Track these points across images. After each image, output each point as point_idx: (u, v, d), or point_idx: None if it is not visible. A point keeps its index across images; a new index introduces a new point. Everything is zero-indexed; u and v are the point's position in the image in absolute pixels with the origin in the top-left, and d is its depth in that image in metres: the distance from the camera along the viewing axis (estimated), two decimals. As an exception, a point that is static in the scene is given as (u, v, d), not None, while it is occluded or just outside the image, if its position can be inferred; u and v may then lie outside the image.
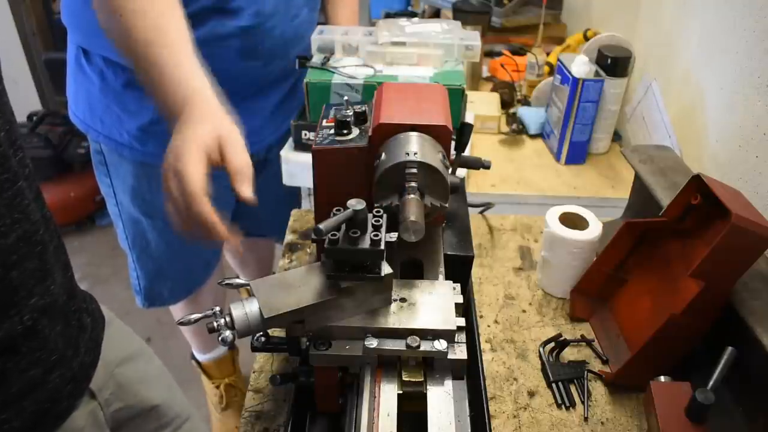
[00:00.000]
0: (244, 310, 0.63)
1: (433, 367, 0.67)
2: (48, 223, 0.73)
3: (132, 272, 1.52)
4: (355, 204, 0.63)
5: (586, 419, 0.88)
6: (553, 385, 0.93)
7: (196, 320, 0.65)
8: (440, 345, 0.65)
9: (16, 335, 0.66)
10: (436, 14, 2.32)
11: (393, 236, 0.66)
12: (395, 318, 0.67)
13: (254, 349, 0.73)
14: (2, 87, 0.66)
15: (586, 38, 1.81)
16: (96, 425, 0.81)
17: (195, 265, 1.57)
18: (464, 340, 0.68)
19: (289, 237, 1.26)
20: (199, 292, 1.62)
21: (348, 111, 0.82)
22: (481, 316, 1.06)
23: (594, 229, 1.03)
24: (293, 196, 1.64)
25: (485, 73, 2.03)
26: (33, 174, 0.71)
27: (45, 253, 0.71)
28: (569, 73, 1.46)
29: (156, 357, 0.98)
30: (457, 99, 1.21)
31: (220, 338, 0.62)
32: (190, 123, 0.83)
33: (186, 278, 1.57)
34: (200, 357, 1.90)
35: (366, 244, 0.63)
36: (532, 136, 1.69)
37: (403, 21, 1.47)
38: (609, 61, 1.48)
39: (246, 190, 0.81)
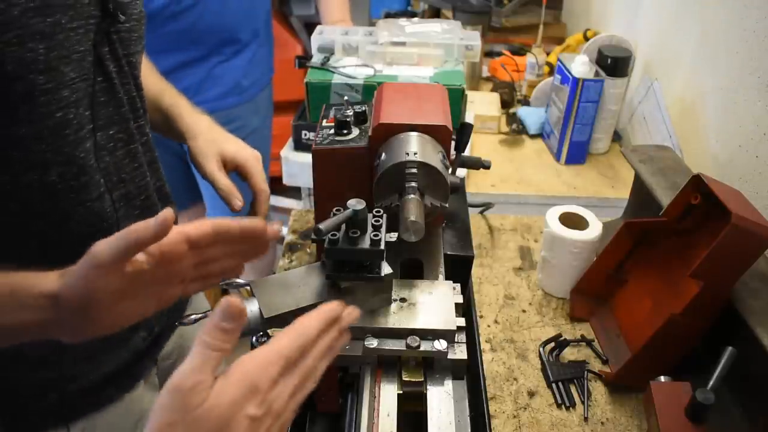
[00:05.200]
0: (244, 310, 0.63)
1: (433, 367, 0.67)
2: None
3: None
4: (355, 204, 0.63)
5: (586, 419, 0.88)
6: (553, 385, 0.93)
7: (197, 320, 0.65)
8: (440, 345, 0.65)
9: None
10: (436, 14, 2.32)
11: (393, 236, 0.66)
12: (395, 318, 0.67)
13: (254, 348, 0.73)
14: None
15: (586, 38, 1.81)
16: (153, 389, 0.90)
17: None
18: (464, 340, 0.68)
19: (289, 237, 1.26)
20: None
21: (348, 111, 0.82)
22: (481, 316, 1.06)
23: (594, 229, 1.03)
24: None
25: (485, 73, 2.03)
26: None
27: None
28: (569, 73, 1.46)
29: None
30: (457, 99, 1.21)
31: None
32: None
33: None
34: None
35: (366, 244, 0.63)
36: (532, 136, 1.69)
37: (403, 21, 1.47)
38: (609, 61, 1.48)
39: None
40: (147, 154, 0.80)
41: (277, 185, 2.05)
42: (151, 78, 0.93)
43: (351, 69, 1.30)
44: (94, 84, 0.67)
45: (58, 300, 0.55)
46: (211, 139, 0.93)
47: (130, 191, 0.76)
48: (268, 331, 0.70)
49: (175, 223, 0.61)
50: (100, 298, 0.55)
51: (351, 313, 0.56)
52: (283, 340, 0.50)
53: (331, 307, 0.54)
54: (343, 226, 0.63)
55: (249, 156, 0.94)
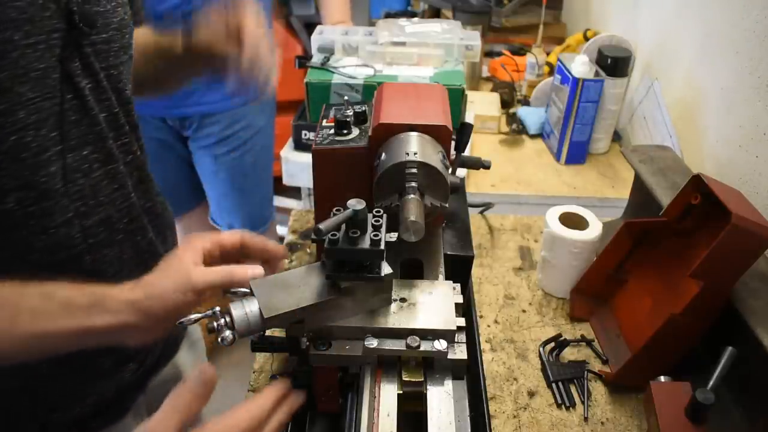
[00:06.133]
0: (244, 310, 0.63)
1: (433, 367, 0.67)
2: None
3: None
4: (355, 204, 0.63)
5: (586, 419, 0.88)
6: (553, 385, 0.93)
7: (197, 320, 0.65)
8: (440, 345, 0.65)
9: None
10: (436, 14, 2.32)
11: (393, 236, 0.65)
12: (395, 318, 0.67)
13: (254, 348, 0.73)
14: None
15: (586, 38, 1.81)
16: (141, 419, 0.86)
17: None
18: (464, 340, 0.68)
19: (289, 237, 1.26)
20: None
21: (348, 111, 0.82)
22: (481, 316, 1.06)
23: (594, 229, 1.03)
24: (247, 189, 1.75)
25: (485, 73, 2.03)
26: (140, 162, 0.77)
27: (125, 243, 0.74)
28: (569, 73, 1.46)
29: None
30: (457, 99, 1.21)
31: (219, 338, 0.61)
32: None
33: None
34: None
35: (366, 244, 0.63)
36: (532, 136, 1.69)
37: (403, 21, 1.47)
38: (609, 61, 1.48)
39: None
40: (133, 174, 0.75)
41: (277, 185, 2.05)
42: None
43: (351, 69, 1.30)
44: (62, 102, 0.62)
45: (140, 307, 0.61)
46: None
47: (111, 215, 0.71)
48: (268, 331, 0.70)
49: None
50: (178, 311, 0.62)
51: (297, 398, 0.64)
52: (242, 412, 0.56)
53: (282, 386, 0.62)
54: (343, 226, 0.63)
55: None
